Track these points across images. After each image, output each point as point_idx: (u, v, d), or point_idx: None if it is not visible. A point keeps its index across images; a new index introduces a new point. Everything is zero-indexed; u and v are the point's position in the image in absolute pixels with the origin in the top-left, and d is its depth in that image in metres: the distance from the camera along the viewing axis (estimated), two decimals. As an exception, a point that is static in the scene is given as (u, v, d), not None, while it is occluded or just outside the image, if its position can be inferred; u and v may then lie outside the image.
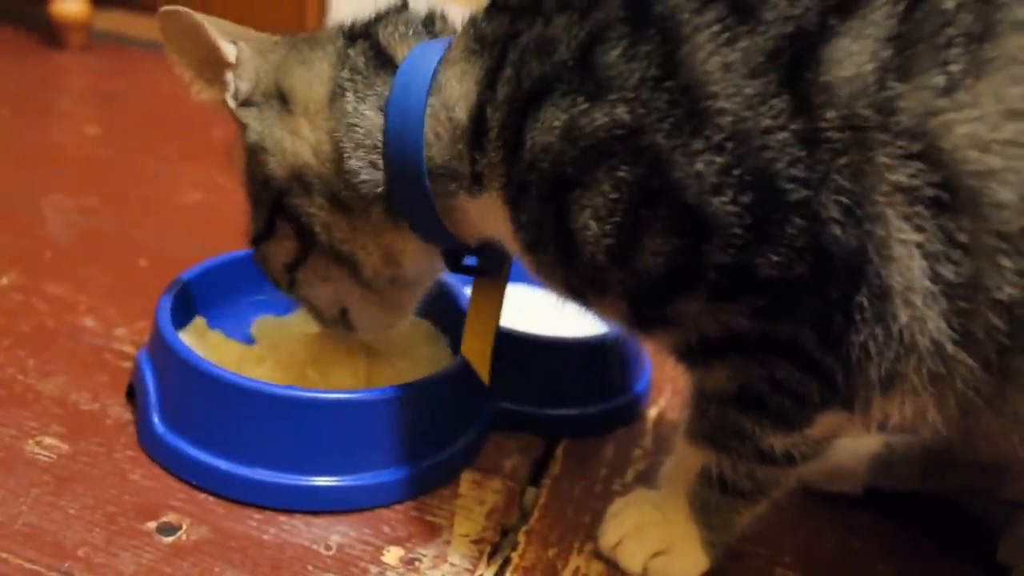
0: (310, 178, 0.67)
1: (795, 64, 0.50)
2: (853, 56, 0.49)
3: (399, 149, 0.63)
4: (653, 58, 0.52)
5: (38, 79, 1.76)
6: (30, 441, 0.74)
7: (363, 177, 0.65)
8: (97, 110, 1.69)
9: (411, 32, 0.67)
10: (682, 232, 0.53)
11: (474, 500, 0.74)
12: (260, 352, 0.81)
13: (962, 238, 0.49)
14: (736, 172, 0.51)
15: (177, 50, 0.69)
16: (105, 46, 1.95)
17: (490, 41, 0.61)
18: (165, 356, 0.75)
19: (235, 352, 0.81)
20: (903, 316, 0.51)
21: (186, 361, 0.73)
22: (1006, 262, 0.49)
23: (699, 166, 0.51)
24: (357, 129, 0.64)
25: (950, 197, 0.49)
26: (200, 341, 0.81)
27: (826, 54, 0.49)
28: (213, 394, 0.72)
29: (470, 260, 0.73)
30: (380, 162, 0.64)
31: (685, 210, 0.52)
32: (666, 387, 0.90)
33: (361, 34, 0.68)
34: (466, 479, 0.76)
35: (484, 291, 0.74)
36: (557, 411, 0.83)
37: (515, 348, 0.82)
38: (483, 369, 0.74)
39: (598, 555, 0.69)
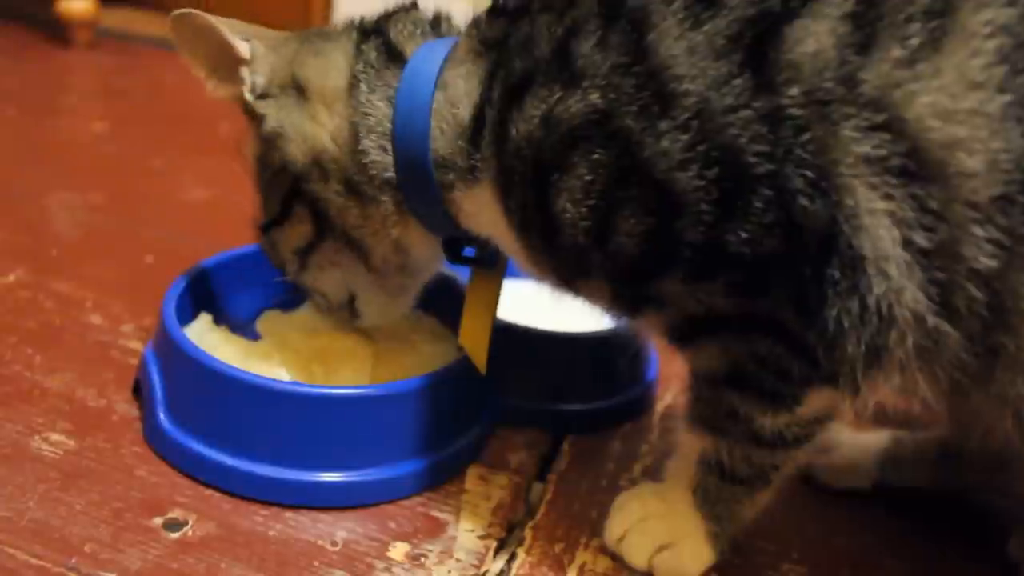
0: (327, 163, 0.69)
1: (757, 45, 0.52)
2: (814, 34, 0.51)
3: (406, 139, 0.66)
4: (622, 46, 0.55)
5: (45, 77, 1.76)
6: (37, 437, 0.74)
7: (374, 158, 0.68)
8: (104, 107, 1.69)
9: (419, 31, 0.71)
10: (654, 211, 0.55)
11: (480, 496, 0.74)
12: (266, 348, 0.81)
13: (933, 205, 0.50)
14: (701, 148, 0.53)
15: (190, 51, 0.72)
16: (112, 43, 1.95)
17: (491, 43, 0.64)
18: (171, 352, 0.75)
19: (241, 348, 0.81)
20: (878, 287, 0.52)
21: (192, 357, 0.73)
22: (979, 231, 0.50)
23: (665, 143, 0.53)
24: (369, 117, 0.67)
25: (917, 166, 0.50)
26: (206, 337, 0.81)
27: (788, 33, 0.51)
28: (219, 390, 0.72)
29: (468, 251, 0.75)
30: (389, 148, 0.67)
31: (655, 188, 0.55)
32: (673, 382, 0.90)
33: (373, 30, 0.71)
34: (472, 475, 0.76)
35: (482, 281, 0.76)
36: (564, 406, 0.83)
37: (522, 343, 0.82)
38: (480, 359, 0.75)
39: (605, 550, 0.69)
